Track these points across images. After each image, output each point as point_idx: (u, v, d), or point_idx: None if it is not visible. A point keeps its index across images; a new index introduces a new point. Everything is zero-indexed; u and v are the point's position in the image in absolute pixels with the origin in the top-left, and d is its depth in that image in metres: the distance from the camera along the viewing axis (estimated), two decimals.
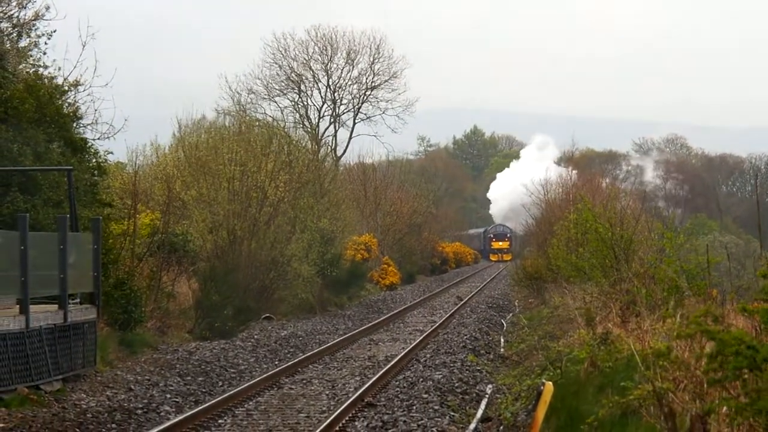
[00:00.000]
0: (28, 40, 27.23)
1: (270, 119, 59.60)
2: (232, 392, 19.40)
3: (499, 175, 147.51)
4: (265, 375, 22.05)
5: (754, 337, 9.68)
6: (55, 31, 26.92)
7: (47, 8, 26.89)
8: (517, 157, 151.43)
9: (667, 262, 21.69)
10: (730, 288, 19.30)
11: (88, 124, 27.71)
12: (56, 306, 19.88)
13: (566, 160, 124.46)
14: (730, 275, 20.64)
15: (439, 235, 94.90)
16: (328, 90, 72.18)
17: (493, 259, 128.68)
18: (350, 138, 73.66)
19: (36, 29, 27.06)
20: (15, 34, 27.14)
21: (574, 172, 68.18)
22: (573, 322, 23.41)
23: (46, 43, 27.22)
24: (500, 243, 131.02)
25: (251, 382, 20.80)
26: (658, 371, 11.42)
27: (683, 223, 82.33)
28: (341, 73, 72.56)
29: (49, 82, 25.80)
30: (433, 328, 34.01)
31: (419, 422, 16.76)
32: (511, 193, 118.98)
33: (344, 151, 73.27)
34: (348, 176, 69.17)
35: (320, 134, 70.94)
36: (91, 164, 26.11)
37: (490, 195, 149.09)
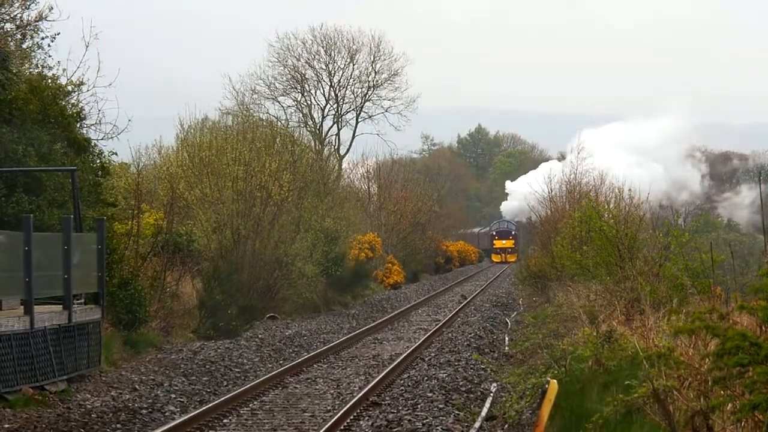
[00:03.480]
0: (31, 41, 27.20)
1: (273, 119, 59.53)
2: (236, 392, 19.41)
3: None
4: (269, 374, 22.06)
5: (758, 335, 9.67)
6: (58, 34, 26.87)
7: (51, 9, 26.87)
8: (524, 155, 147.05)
9: (672, 260, 21.70)
10: (734, 286, 19.26)
11: (91, 125, 27.69)
12: (61, 306, 19.91)
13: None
14: (734, 273, 20.59)
15: (443, 233, 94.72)
16: (331, 89, 72.16)
17: (495, 260, 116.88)
18: (353, 137, 73.60)
19: (39, 31, 27.04)
20: (18, 35, 27.12)
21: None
22: (577, 321, 23.39)
23: (49, 45, 27.22)
24: (503, 242, 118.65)
25: (256, 382, 20.81)
26: (663, 369, 11.42)
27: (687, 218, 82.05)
28: (343, 72, 72.55)
29: (52, 82, 25.77)
30: (438, 326, 34.01)
31: (424, 421, 16.77)
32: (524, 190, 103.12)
33: (347, 150, 73.25)
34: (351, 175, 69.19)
35: (324, 133, 70.90)
36: (95, 165, 26.08)
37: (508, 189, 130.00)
